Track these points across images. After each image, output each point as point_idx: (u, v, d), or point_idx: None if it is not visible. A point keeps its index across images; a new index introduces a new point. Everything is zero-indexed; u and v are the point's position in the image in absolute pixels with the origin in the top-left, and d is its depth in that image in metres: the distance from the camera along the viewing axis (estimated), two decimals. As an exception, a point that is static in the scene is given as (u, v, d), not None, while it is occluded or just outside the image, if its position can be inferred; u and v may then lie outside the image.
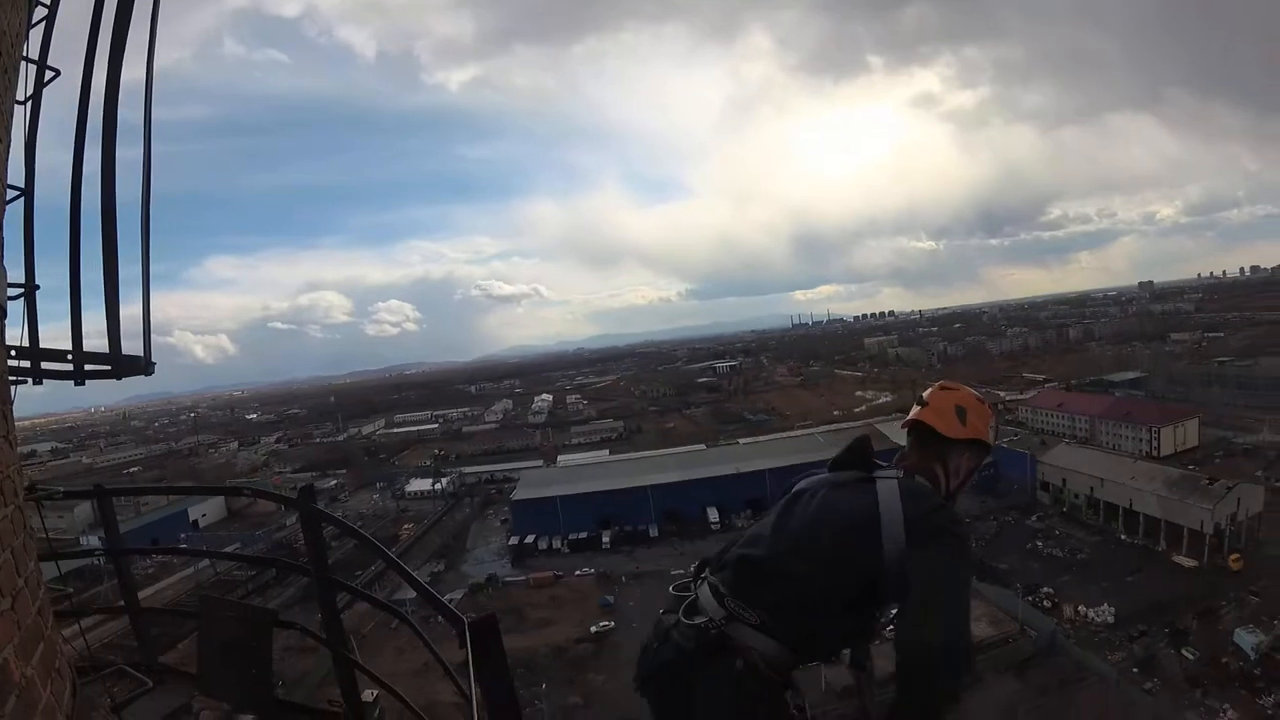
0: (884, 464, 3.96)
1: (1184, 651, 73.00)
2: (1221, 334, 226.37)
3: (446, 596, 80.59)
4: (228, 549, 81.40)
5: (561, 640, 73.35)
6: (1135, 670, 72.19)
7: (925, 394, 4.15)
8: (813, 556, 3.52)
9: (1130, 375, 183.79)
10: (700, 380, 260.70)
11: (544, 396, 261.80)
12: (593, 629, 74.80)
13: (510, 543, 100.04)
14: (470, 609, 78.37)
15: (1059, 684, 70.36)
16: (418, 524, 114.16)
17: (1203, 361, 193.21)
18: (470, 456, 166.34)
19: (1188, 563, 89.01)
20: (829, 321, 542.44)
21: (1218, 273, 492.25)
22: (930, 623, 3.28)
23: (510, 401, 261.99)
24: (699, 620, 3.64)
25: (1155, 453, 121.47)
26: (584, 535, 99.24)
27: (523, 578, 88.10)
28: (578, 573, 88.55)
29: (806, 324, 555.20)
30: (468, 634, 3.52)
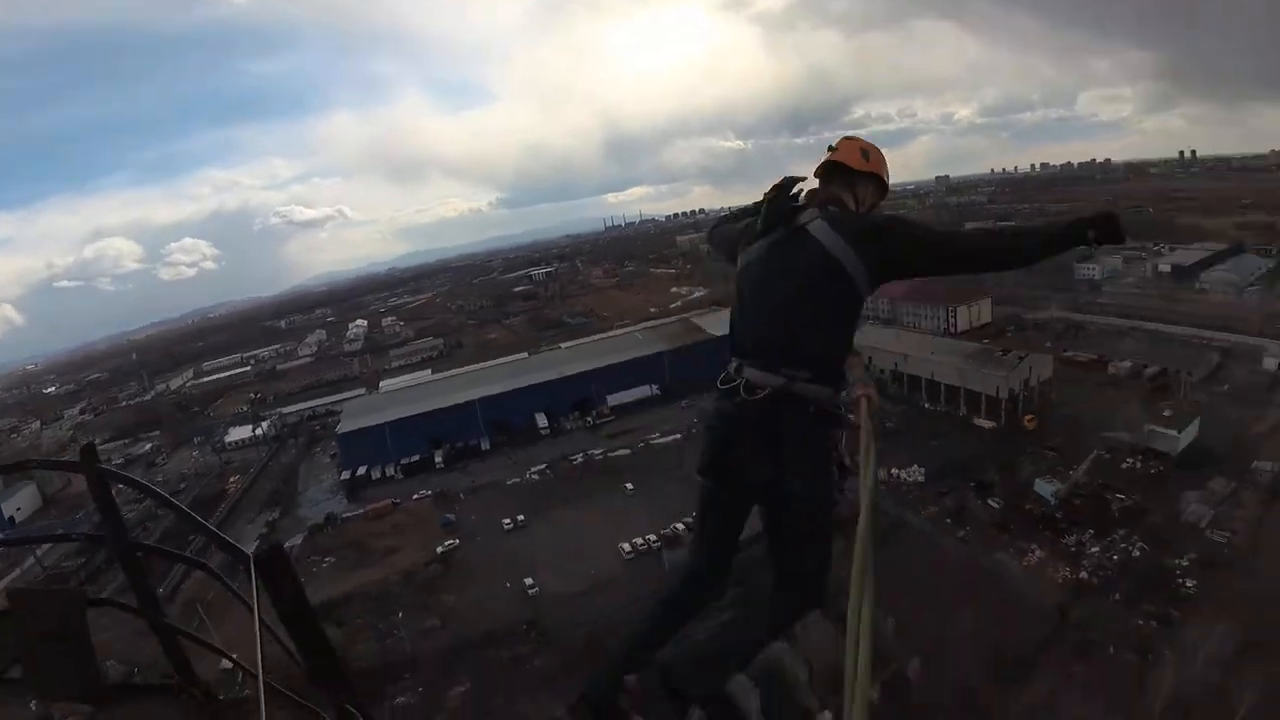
0: (798, 205, 4.71)
1: (990, 502, 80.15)
2: (1013, 223, 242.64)
3: (287, 543, 78.18)
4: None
5: (409, 566, 73.22)
6: (948, 521, 78.46)
7: (834, 143, 5.06)
8: (812, 314, 4.45)
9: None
10: (517, 289, 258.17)
11: (358, 322, 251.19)
12: (439, 549, 74.92)
13: (342, 477, 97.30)
14: (312, 551, 75.93)
15: (879, 540, 76.61)
16: (244, 474, 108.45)
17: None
18: (289, 395, 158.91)
19: (987, 425, 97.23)
20: (641, 222, 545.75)
21: (1010, 169, 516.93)
22: (950, 242, 4.54)
23: (324, 332, 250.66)
24: (763, 392, 4.34)
25: (952, 330, 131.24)
26: (416, 458, 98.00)
27: (361, 510, 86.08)
28: (415, 496, 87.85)
29: (620, 226, 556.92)
30: (253, 568, 3.50)
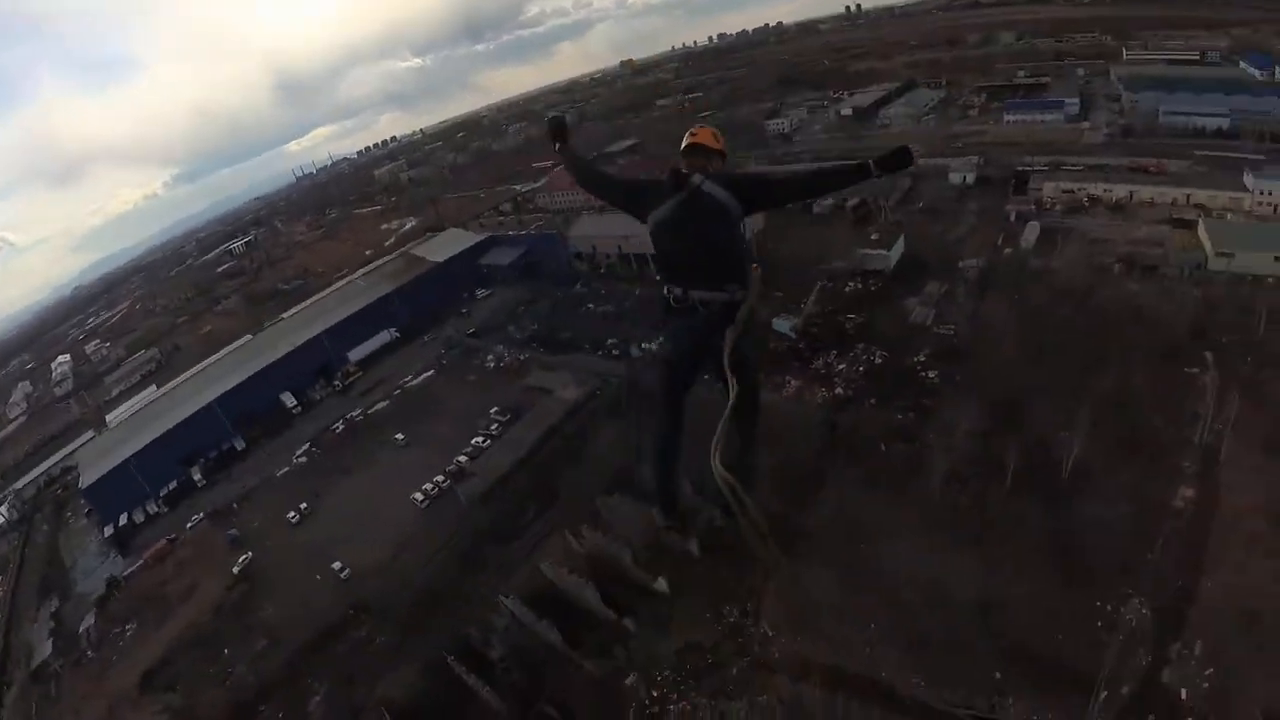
0: (686, 173, 7.02)
1: None
2: (700, 94, 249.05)
3: (83, 626, 69.43)
4: None
5: (214, 598, 66.58)
6: (706, 378, 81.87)
7: (692, 130, 7.49)
8: (724, 247, 7.09)
9: (627, 143, 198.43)
10: (220, 269, 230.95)
11: (61, 359, 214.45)
12: (235, 570, 68.57)
13: (107, 534, 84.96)
14: (110, 625, 68.77)
15: (650, 410, 78.54)
16: (5, 573, 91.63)
17: (688, 119, 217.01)
18: (16, 467, 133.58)
19: None
20: (334, 164, 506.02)
21: (690, 44, 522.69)
22: (787, 183, 7.10)
23: (28, 383, 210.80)
24: (716, 305, 7.17)
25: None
26: (174, 484, 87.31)
27: (140, 561, 76.13)
28: (189, 525, 78.82)
29: (311, 173, 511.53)
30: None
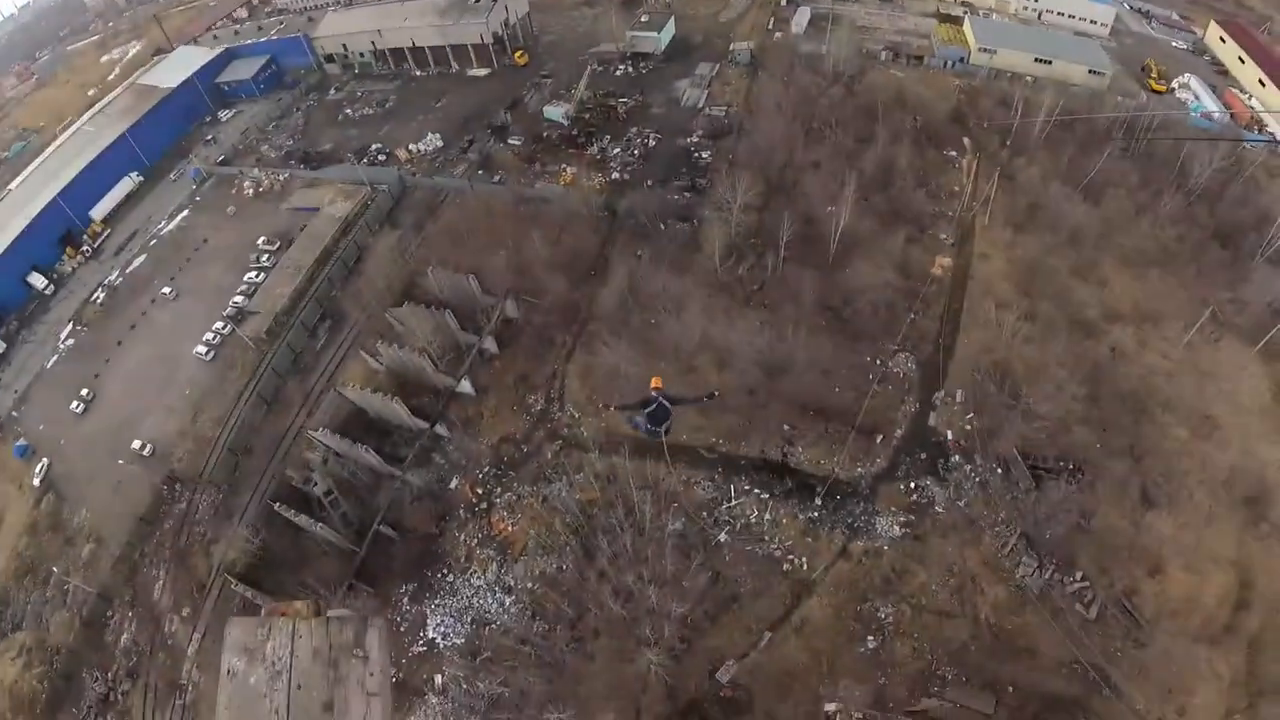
0: (655, 395, 20.80)
1: (511, 141, 77.48)
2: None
3: None
4: None
5: (25, 519, 56.56)
6: (480, 172, 75.02)
7: (654, 381, 21.10)
8: (667, 418, 21.54)
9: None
10: None
11: None
12: (35, 482, 57.88)
13: None
14: None
15: (428, 213, 71.90)
16: None
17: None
18: None
19: (482, 73, 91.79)
20: None
21: None
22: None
23: None
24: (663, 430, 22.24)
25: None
26: None
27: None
28: None
29: (12, 14, 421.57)
30: None
